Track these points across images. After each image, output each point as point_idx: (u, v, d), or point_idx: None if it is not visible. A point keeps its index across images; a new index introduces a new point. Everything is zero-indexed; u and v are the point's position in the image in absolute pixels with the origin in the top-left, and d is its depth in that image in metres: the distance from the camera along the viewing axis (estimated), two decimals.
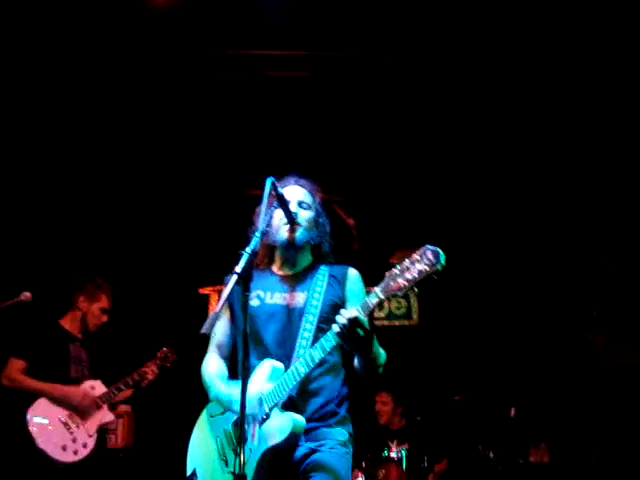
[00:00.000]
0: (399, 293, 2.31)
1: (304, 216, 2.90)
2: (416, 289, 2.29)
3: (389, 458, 5.26)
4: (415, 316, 6.70)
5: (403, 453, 5.26)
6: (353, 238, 5.28)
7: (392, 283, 2.33)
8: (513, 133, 5.70)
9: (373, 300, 2.39)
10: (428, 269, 2.25)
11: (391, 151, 5.96)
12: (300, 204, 2.92)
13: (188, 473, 2.81)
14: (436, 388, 6.12)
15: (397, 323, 6.66)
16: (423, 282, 2.28)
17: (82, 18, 4.78)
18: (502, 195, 6.23)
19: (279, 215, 2.85)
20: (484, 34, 4.89)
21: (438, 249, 2.27)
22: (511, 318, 6.31)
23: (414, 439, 5.56)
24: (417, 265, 2.27)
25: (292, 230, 2.84)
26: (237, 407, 2.53)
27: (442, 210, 6.31)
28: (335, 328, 2.44)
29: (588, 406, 5.74)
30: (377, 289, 2.38)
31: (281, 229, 2.86)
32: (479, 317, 6.40)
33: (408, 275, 2.29)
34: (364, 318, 2.41)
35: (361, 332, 2.41)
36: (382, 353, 2.70)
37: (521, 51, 4.99)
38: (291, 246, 2.88)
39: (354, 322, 2.39)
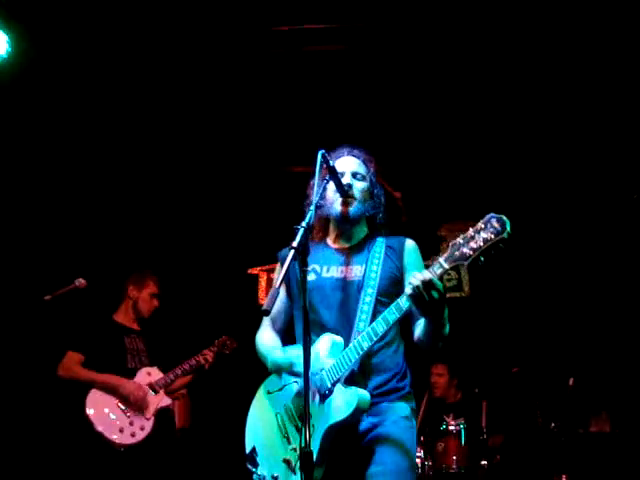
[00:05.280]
0: (465, 262, 2.26)
1: (358, 187, 2.84)
2: (482, 258, 2.23)
3: (448, 431, 5.21)
4: (467, 288, 6.61)
5: (462, 426, 5.21)
6: (400, 211, 5.21)
7: (457, 252, 2.28)
8: (566, 102, 5.51)
9: (438, 270, 2.34)
10: (494, 237, 2.19)
11: (434, 122, 5.82)
12: (354, 175, 2.86)
13: (247, 450, 2.79)
14: (492, 360, 6.04)
15: (448, 295, 6.56)
16: (489, 251, 2.23)
17: None
18: (549, 164, 6.05)
19: (332, 187, 2.79)
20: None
21: (503, 216, 2.21)
22: (565, 285, 6.16)
23: (471, 412, 5.50)
24: (482, 233, 2.22)
25: (346, 203, 2.79)
26: (298, 368, 2.52)
27: (489, 181, 6.18)
28: (408, 290, 2.37)
29: None
30: (441, 259, 2.33)
31: (335, 202, 2.81)
32: (532, 285, 6.26)
33: (473, 244, 2.24)
34: (438, 280, 2.34)
35: (435, 294, 2.35)
36: (447, 324, 2.64)
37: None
38: (346, 219, 2.83)
39: (428, 284, 2.33)
